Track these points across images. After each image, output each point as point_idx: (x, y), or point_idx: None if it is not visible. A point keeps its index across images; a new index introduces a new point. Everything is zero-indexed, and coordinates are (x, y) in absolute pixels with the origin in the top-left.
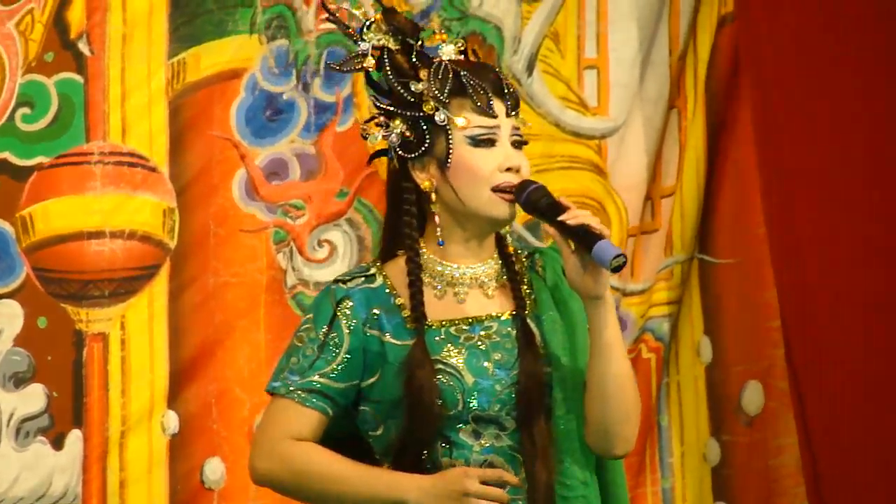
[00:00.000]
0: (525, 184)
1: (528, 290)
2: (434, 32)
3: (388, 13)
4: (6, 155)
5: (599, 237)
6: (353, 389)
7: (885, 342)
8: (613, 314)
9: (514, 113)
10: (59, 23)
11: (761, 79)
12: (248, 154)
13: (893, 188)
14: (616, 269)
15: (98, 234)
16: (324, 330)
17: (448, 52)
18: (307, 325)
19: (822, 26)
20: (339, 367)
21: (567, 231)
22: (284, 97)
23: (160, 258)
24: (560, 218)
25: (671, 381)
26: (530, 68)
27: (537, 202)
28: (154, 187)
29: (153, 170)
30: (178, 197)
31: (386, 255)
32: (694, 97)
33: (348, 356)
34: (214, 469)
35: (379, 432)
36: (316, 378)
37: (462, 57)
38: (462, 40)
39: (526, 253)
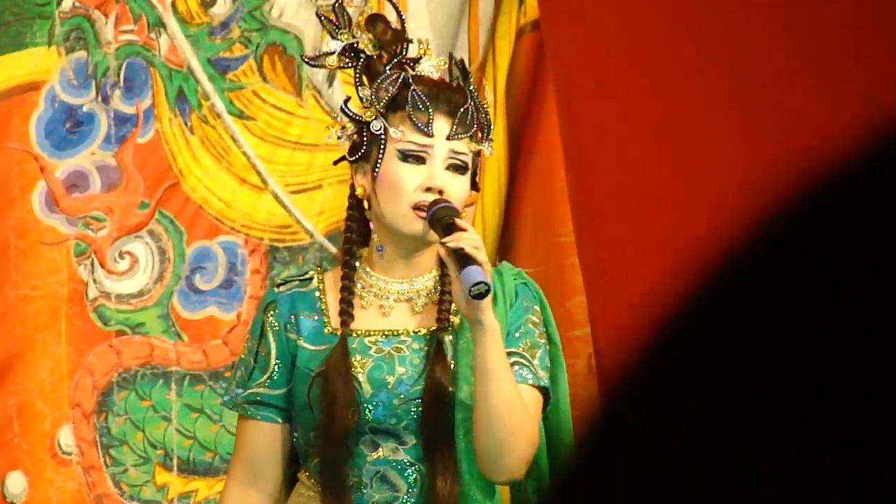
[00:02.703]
0: (436, 202)
1: (455, 309)
2: (420, 47)
3: (372, 19)
4: None
5: (470, 262)
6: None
7: None
8: (496, 340)
9: (458, 136)
10: None
11: (567, 84)
12: (48, 166)
13: (703, 193)
14: (476, 297)
15: None
16: (257, 339)
17: (425, 68)
18: (248, 336)
19: (628, 31)
20: (274, 374)
21: (449, 253)
22: (84, 109)
23: None
24: (444, 240)
25: None
26: (330, 79)
27: (438, 220)
28: None
29: None
30: None
31: (340, 260)
32: (494, 107)
33: (278, 361)
34: (16, 483)
35: (296, 435)
36: (255, 389)
37: (437, 75)
38: (446, 60)
39: None
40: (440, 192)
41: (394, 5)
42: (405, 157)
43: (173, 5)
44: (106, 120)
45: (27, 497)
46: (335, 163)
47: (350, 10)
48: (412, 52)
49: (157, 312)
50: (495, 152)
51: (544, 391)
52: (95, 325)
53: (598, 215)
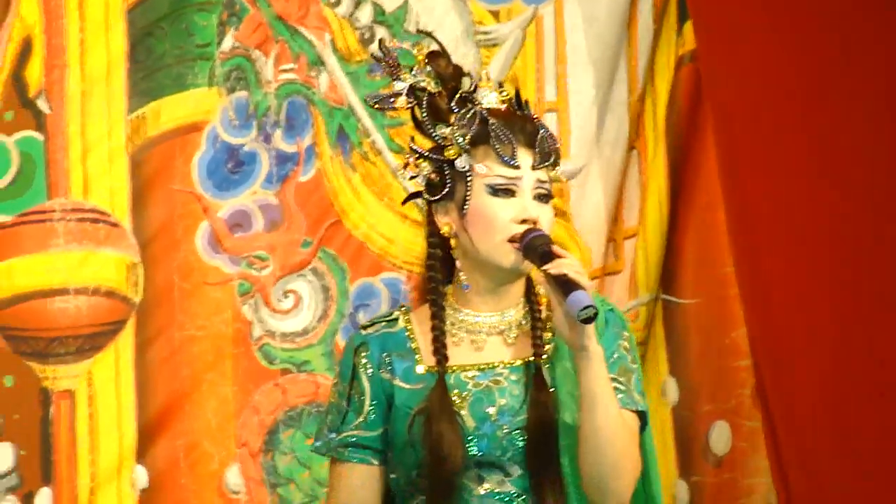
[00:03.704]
0: (529, 231)
1: (549, 337)
2: (481, 79)
3: (433, 56)
4: None
5: (574, 288)
6: (387, 433)
7: (856, 376)
8: (599, 366)
9: (542, 166)
10: (17, 81)
11: (725, 116)
12: (211, 207)
13: (863, 224)
14: (586, 321)
15: (62, 291)
16: (349, 382)
17: (491, 100)
18: (336, 380)
19: (785, 61)
20: (370, 416)
21: (550, 280)
22: (245, 149)
23: (125, 313)
24: (544, 267)
25: None
26: None
27: (533, 249)
28: (117, 242)
29: (115, 225)
30: (141, 251)
31: (421, 300)
32: (654, 138)
33: (374, 402)
34: None
35: (394, 476)
36: (350, 432)
37: (503, 106)
38: (508, 89)
39: None
40: (534, 223)
41: (436, 40)
42: (495, 191)
43: (332, 43)
44: (267, 159)
45: None
46: (404, 202)
47: (396, 49)
48: (466, 84)
49: (321, 350)
50: (658, 183)
51: (641, 415)
52: (261, 364)
53: (757, 247)
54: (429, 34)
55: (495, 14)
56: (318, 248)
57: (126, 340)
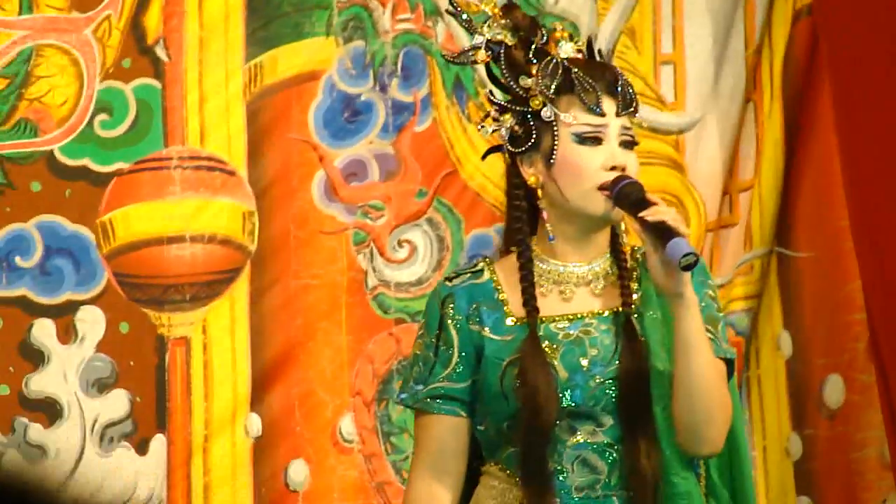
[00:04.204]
0: (620, 178)
1: (636, 287)
2: (554, 30)
3: (507, 8)
4: (86, 161)
5: (674, 235)
6: (475, 385)
7: None
8: (695, 313)
9: (625, 112)
10: (135, 29)
11: (841, 71)
12: (327, 156)
13: None
14: (686, 268)
15: (178, 239)
16: (436, 333)
17: (566, 50)
18: (421, 332)
19: None
20: (458, 367)
21: (646, 227)
22: (362, 98)
23: (241, 262)
24: (640, 214)
25: (752, 376)
26: None
27: (626, 196)
28: (233, 191)
29: (232, 173)
30: (257, 200)
31: (503, 251)
32: (770, 91)
33: (463, 353)
34: (298, 471)
35: (482, 428)
36: (438, 383)
37: (580, 55)
38: (581, 39)
39: (642, 250)
40: (623, 170)
41: None
42: (582, 139)
43: None
44: (384, 109)
45: (309, 485)
46: (484, 156)
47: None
48: (542, 35)
49: None
50: (774, 136)
51: (729, 363)
52: (375, 314)
53: (873, 200)
54: None
55: None
56: (434, 197)
57: (241, 289)
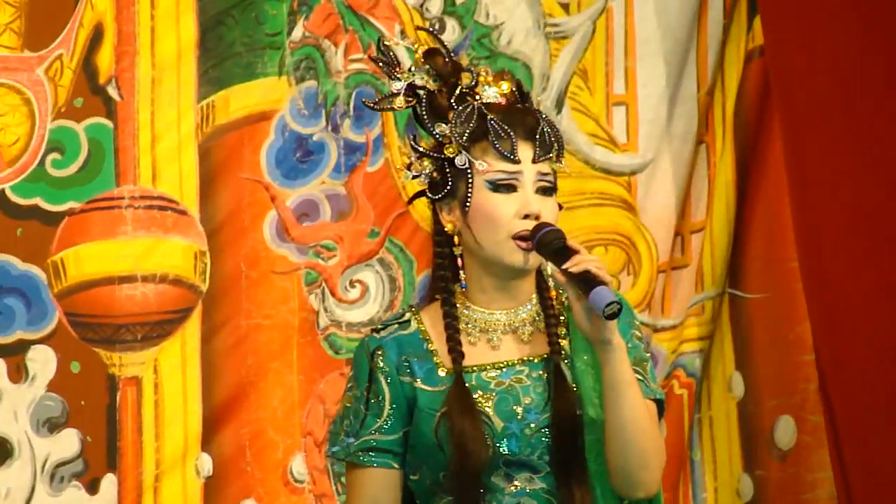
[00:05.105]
0: (540, 226)
1: (564, 333)
2: (479, 74)
3: (429, 54)
4: (37, 200)
5: (597, 283)
6: (406, 436)
7: None
8: (623, 357)
9: (543, 158)
10: (87, 68)
11: (792, 111)
12: (279, 196)
13: None
14: (611, 317)
15: (130, 279)
16: (366, 385)
17: (489, 94)
18: (351, 384)
19: (853, 57)
20: (389, 419)
21: (570, 277)
22: (314, 138)
23: (192, 301)
24: (563, 266)
25: (703, 417)
26: (559, 105)
27: (547, 245)
28: (185, 230)
29: (184, 213)
30: (209, 239)
31: (429, 299)
32: (723, 132)
33: (394, 405)
34: None
35: (416, 478)
36: (370, 436)
37: (504, 101)
38: (507, 83)
39: (566, 295)
40: (537, 218)
41: (437, 38)
42: (496, 187)
43: (402, 34)
44: (336, 149)
45: None
46: (409, 202)
47: (397, 48)
48: (465, 80)
49: None
50: (726, 177)
51: (659, 403)
52: (326, 354)
53: (822, 242)
54: (428, 30)
55: (565, 6)
56: (386, 238)
57: (192, 328)
